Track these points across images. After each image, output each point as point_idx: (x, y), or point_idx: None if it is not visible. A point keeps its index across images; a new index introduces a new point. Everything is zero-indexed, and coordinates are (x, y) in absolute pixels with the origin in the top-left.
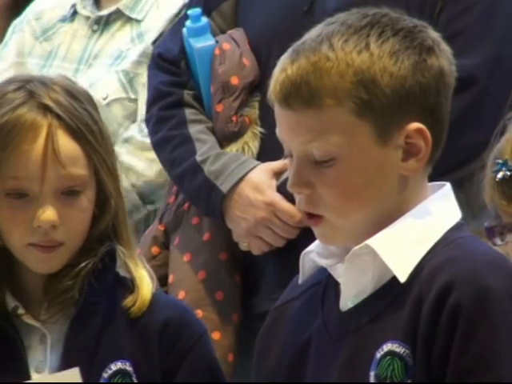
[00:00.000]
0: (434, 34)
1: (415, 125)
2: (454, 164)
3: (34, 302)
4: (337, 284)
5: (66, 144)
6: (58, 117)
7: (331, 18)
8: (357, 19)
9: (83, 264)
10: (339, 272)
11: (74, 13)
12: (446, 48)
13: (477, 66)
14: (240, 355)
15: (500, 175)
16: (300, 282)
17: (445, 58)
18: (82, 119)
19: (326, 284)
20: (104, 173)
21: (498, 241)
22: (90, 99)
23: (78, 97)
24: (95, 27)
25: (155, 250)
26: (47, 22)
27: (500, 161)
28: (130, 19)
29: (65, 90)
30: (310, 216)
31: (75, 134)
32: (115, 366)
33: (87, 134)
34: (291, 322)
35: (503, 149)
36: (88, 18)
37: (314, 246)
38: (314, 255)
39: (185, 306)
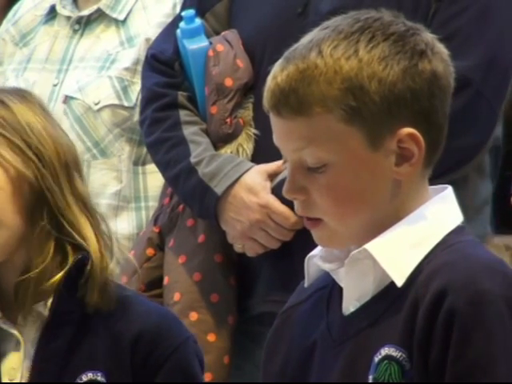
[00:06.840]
0: (427, 37)
1: (407, 130)
2: (448, 166)
3: (9, 309)
4: (342, 288)
5: None
6: None
7: (326, 22)
8: (348, 24)
9: (57, 276)
10: (341, 276)
11: (51, 12)
12: (440, 50)
13: (470, 68)
14: (235, 357)
15: None
16: (306, 285)
17: (439, 61)
18: None
19: (331, 288)
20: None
21: None
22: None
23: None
24: (76, 27)
25: (150, 251)
26: (25, 27)
27: None
28: (113, 20)
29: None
30: (309, 218)
31: None
32: (86, 377)
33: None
34: (297, 325)
35: None
36: (69, 18)
37: (318, 250)
38: (317, 259)
39: (165, 314)
